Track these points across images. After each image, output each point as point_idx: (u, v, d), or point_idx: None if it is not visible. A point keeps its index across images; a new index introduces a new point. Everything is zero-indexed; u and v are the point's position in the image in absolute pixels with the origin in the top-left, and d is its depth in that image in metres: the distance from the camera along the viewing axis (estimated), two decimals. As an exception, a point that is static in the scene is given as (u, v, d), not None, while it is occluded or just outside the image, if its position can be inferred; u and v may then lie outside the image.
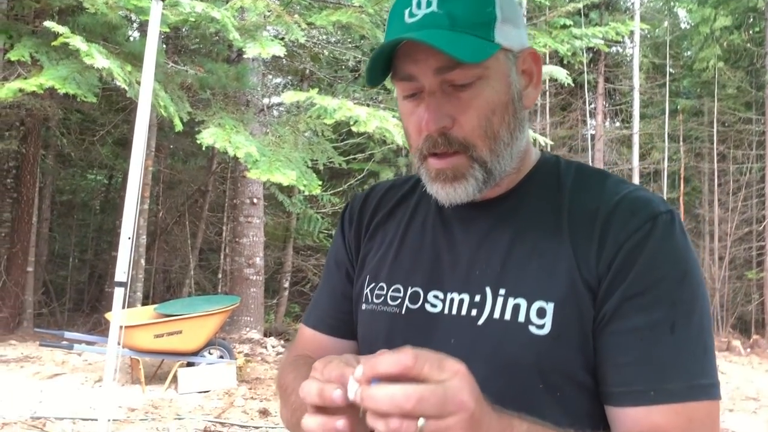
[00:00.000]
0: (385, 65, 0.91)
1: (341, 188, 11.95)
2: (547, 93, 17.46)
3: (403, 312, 0.97)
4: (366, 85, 1.00)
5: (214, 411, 5.93)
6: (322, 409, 0.68)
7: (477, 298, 0.91)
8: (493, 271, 0.92)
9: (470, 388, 0.65)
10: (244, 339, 8.89)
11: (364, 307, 1.04)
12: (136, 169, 2.76)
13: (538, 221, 0.93)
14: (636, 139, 16.95)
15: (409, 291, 0.98)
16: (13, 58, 5.78)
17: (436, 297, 0.95)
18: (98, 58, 5.28)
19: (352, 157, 11.24)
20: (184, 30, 7.24)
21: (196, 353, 6.68)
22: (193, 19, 5.69)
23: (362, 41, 8.99)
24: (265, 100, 10.89)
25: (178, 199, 11.94)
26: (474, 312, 0.91)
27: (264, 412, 5.98)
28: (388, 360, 0.63)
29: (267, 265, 11.11)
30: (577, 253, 0.87)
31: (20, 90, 5.61)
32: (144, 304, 9.58)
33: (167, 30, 5.85)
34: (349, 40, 9.87)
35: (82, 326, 10.02)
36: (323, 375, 0.69)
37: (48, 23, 5.25)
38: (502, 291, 0.90)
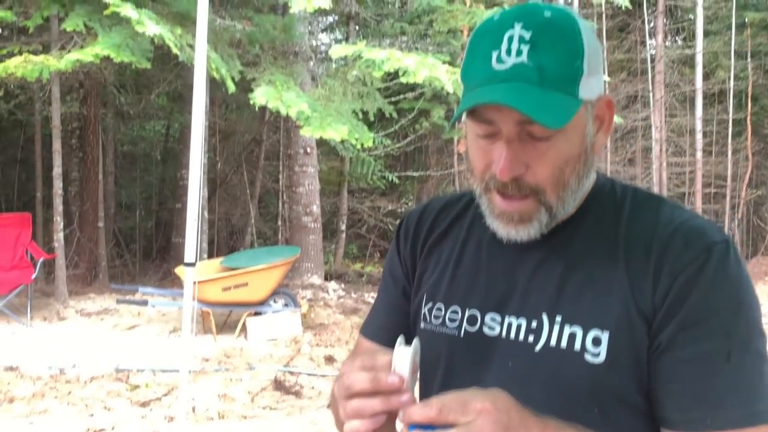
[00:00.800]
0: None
1: (392, 129, 11.91)
2: (603, 16, 16.68)
3: (462, 334, 1.02)
4: (447, 132, 1.03)
5: (282, 359, 6.24)
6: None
7: (534, 324, 0.95)
8: (550, 297, 0.95)
9: (494, 423, 0.74)
10: (306, 285, 9.19)
11: (422, 326, 1.08)
12: (196, 158, 2.86)
13: (594, 250, 0.95)
14: (699, 59, 16.11)
15: (467, 313, 1.02)
16: (68, 29, 5.91)
17: (493, 320, 0.99)
18: (149, 26, 5.35)
19: (402, 96, 11.12)
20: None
21: (262, 303, 6.97)
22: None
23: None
24: (314, 43, 10.81)
25: (235, 149, 12.17)
26: (531, 338, 0.95)
27: (330, 359, 6.25)
28: (417, 412, 0.76)
29: (323, 209, 11.31)
30: (633, 283, 0.90)
31: (78, 60, 5.77)
32: (209, 251, 9.98)
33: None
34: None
35: (153, 275, 10.52)
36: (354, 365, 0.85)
37: (98, -7, 5.32)
38: (558, 318, 0.93)
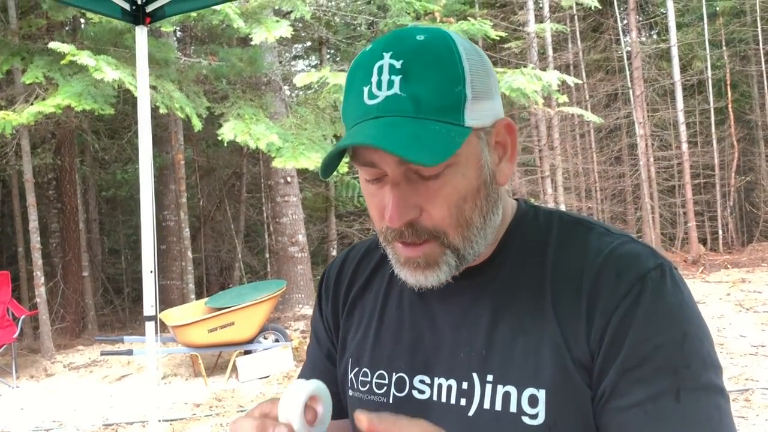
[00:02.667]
0: (341, 150, 0.81)
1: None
2: (576, 18, 16.75)
3: (391, 401, 0.93)
4: (322, 177, 0.91)
5: (275, 397, 6.07)
6: None
7: (465, 385, 0.87)
8: (478, 354, 0.87)
9: None
10: (297, 316, 9.05)
11: (351, 393, 1.00)
12: (147, 205, 2.74)
13: (520, 292, 0.86)
14: (675, 51, 16.17)
15: (394, 377, 0.94)
16: (28, 82, 5.82)
17: (422, 382, 0.91)
18: (107, 71, 5.27)
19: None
20: (191, 21, 7.15)
21: (251, 341, 6.82)
22: (195, 15, 5.58)
23: (371, 3, 8.73)
24: (290, 70, 10.77)
25: (216, 185, 12.08)
26: (463, 401, 0.86)
27: (323, 393, 6.09)
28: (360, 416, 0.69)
29: (312, 237, 11.18)
30: (565, 330, 0.81)
31: (40, 113, 5.67)
32: (198, 290, 9.84)
33: (171, 29, 5.77)
34: (359, 2, 9.61)
35: (144, 321, 10.34)
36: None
37: (53, 44, 5.25)
38: (489, 377, 0.85)
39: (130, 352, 6.48)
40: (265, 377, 6.66)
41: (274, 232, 10.16)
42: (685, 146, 15.81)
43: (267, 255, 11.09)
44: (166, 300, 9.58)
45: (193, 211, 11.08)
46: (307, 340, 6.60)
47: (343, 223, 12.97)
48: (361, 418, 0.67)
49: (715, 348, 0.80)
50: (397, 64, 0.77)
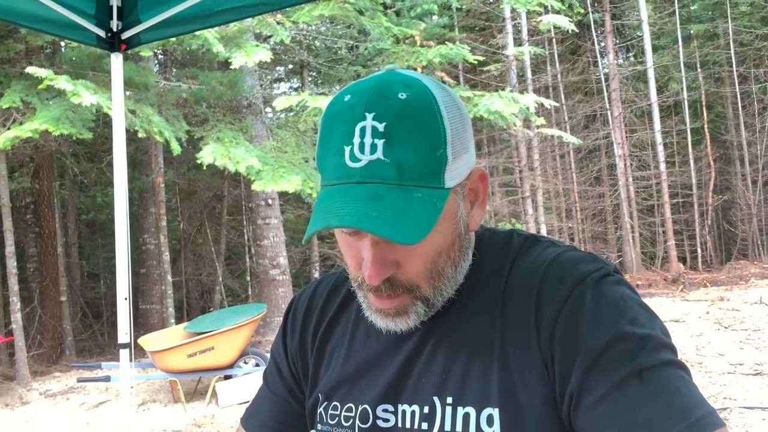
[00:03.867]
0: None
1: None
2: (554, 41, 17.02)
3: None
4: (303, 243, 0.92)
5: None
6: None
7: (426, 409, 0.88)
8: (438, 378, 0.88)
9: None
10: (279, 340, 8.98)
11: (319, 427, 1.00)
12: (122, 232, 2.72)
13: (475, 316, 0.88)
14: (651, 73, 16.48)
15: (359, 409, 0.95)
16: (5, 106, 5.79)
17: (386, 411, 0.92)
18: (85, 96, 5.26)
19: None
20: (171, 46, 7.18)
21: (231, 366, 6.75)
22: (174, 40, 5.60)
23: (351, 28, 8.82)
24: (271, 93, 10.81)
25: (197, 208, 12.02)
26: (425, 425, 0.87)
27: (304, 418, 6.03)
28: None
29: (294, 259, 11.14)
30: (516, 345, 0.83)
31: (17, 137, 5.63)
32: (179, 313, 9.74)
33: (149, 53, 5.78)
34: (339, 27, 9.70)
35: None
36: None
37: (30, 69, 5.23)
38: (449, 400, 0.86)
39: (107, 379, 6.38)
40: (246, 402, 6.58)
41: (255, 254, 10.12)
42: (663, 166, 16.05)
43: (248, 278, 11.02)
44: (145, 324, 9.48)
45: (173, 234, 11.01)
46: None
47: (326, 244, 12.95)
48: None
49: (667, 331, 0.81)
50: (380, 127, 0.77)
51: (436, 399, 0.87)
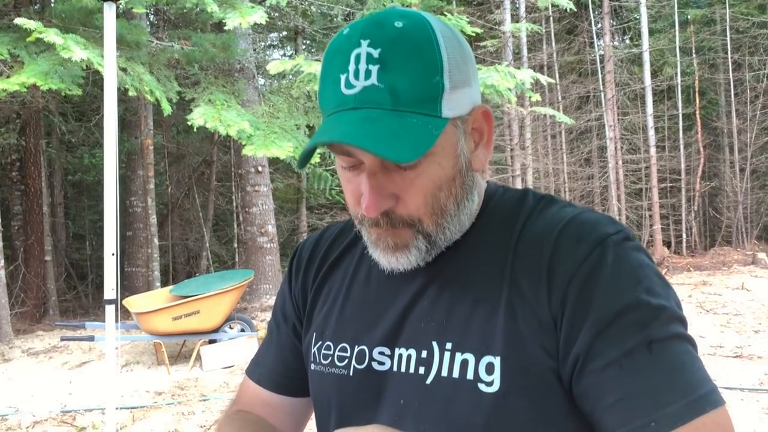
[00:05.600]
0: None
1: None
2: (551, 19, 16.90)
3: (351, 373, 0.93)
4: (299, 169, 0.90)
5: (238, 388, 6.02)
6: None
7: (424, 353, 0.86)
8: (438, 323, 0.86)
9: None
10: (264, 307, 8.99)
11: (312, 367, 0.99)
12: (110, 185, 2.68)
13: (482, 266, 0.87)
14: (646, 57, 16.43)
15: (356, 350, 0.94)
16: (-9, 58, 5.66)
17: (382, 354, 0.91)
18: (75, 51, 5.15)
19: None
20: (164, 4, 7.02)
21: (216, 330, 6.75)
22: (167, -4, 5.48)
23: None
24: (264, 59, 10.66)
25: (185, 172, 11.91)
26: (422, 370, 0.86)
27: (288, 384, 6.06)
28: None
29: (282, 228, 11.11)
30: (525, 296, 0.81)
31: (3, 90, 5.52)
32: (164, 277, 9.70)
33: (143, 10, 5.66)
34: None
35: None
36: None
37: (19, 20, 5.10)
38: (448, 345, 0.85)
39: (91, 338, 6.36)
40: (230, 367, 6.60)
41: (243, 221, 10.07)
42: (653, 150, 16.09)
43: (235, 245, 10.99)
44: (130, 287, 9.44)
45: (161, 198, 10.93)
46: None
47: (314, 215, 12.93)
48: None
49: (680, 304, 0.81)
50: (375, 53, 0.76)
51: (434, 344, 0.85)
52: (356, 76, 0.77)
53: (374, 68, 0.76)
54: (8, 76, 5.91)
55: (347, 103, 0.77)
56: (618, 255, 0.79)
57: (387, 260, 0.87)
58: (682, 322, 0.79)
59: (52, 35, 5.05)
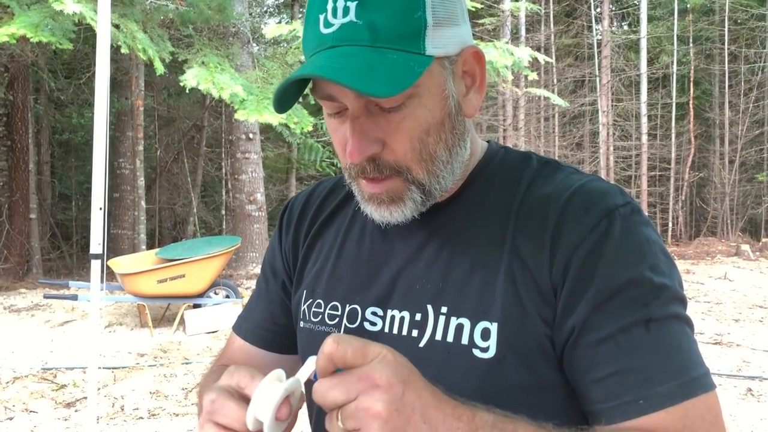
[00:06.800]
0: (300, 84, 0.78)
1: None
2: (550, 1, 16.79)
3: (342, 332, 0.90)
4: (276, 112, 0.87)
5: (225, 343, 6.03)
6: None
7: (418, 316, 0.84)
8: (434, 286, 0.84)
9: (392, 370, 0.61)
10: (250, 275, 8.97)
11: (302, 325, 0.97)
12: (100, 135, 2.63)
13: (483, 226, 0.84)
14: (644, 44, 16.39)
15: (348, 309, 0.91)
16: (-20, 6, 5.52)
17: (375, 314, 0.89)
18: (68, 3, 5.04)
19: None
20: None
21: (201, 295, 6.73)
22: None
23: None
24: (260, 26, 10.52)
25: (175, 136, 11.79)
26: (415, 332, 0.84)
27: (271, 351, 6.07)
28: (314, 359, 0.64)
29: (271, 197, 11.07)
30: (525, 263, 0.79)
31: (-8, 40, 5.39)
32: (150, 241, 9.65)
33: (138, -34, 5.54)
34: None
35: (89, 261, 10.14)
36: (233, 378, 0.68)
37: (10, -32, 4.97)
38: (443, 309, 0.82)
39: (74, 297, 6.32)
40: (213, 332, 6.60)
41: (232, 189, 10.01)
42: (644, 138, 16.14)
43: (223, 212, 10.93)
44: (116, 249, 9.38)
45: (149, 162, 10.83)
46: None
47: (303, 185, 12.88)
48: (329, 339, 0.62)
49: (682, 283, 0.80)
50: None
51: (429, 307, 0.83)
52: (334, 14, 0.74)
53: (352, 5, 0.73)
54: (-3, 27, 5.79)
55: (326, 42, 0.75)
56: (625, 228, 0.77)
57: (380, 214, 0.84)
58: (683, 302, 0.77)
59: (44, -14, 4.93)
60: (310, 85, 0.80)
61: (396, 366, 0.62)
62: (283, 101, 0.79)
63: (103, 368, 5.38)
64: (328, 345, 0.61)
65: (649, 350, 0.73)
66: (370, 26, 0.73)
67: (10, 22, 5.55)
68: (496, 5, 13.15)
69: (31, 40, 5.33)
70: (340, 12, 0.74)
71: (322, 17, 0.75)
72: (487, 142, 0.94)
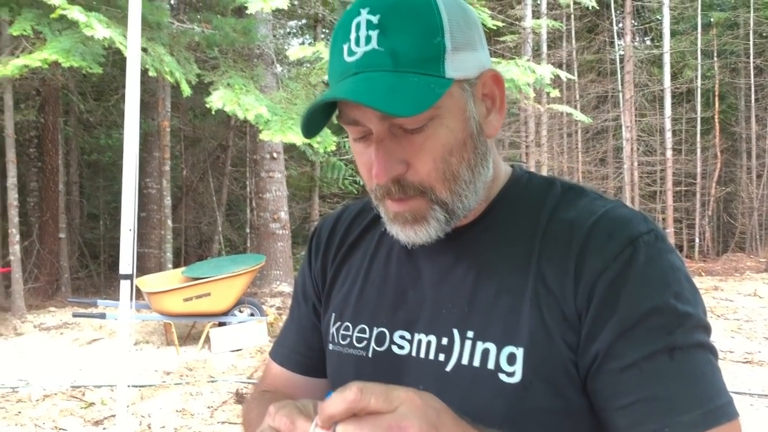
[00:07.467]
0: (326, 111, 0.82)
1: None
2: (572, 17, 16.78)
3: (370, 355, 0.93)
4: (304, 137, 0.90)
5: (246, 370, 6.06)
6: None
7: (444, 340, 0.86)
8: (460, 311, 0.86)
9: (421, 415, 0.61)
10: (275, 293, 9.02)
11: (331, 347, 1.00)
12: (130, 159, 2.69)
13: (507, 250, 0.86)
14: (667, 58, 16.27)
15: (375, 332, 0.93)
16: (15, 33, 5.70)
17: (402, 338, 0.91)
18: (98, 29, 5.17)
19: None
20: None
21: (226, 313, 6.79)
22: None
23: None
24: (283, 46, 10.66)
25: (201, 156, 11.96)
26: (442, 356, 0.86)
27: (295, 369, 6.09)
28: (335, 400, 0.60)
29: (294, 215, 11.14)
30: (550, 289, 0.80)
31: (25, 66, 5.55)
32: (176, 260, 9.76)
33: (166, -9, 5.66)
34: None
35: (119, 287, 10.26)
36: (274, 421, 0.65)
37: (44, -4, 5.13)
38: (470, 333, 0.84)
39: (102, 316, 6.42)
40: (238, 350, 6.64)
41: (256, 207, 10.10)
42: (669, 153, 15.96)
43: (248, 230, 11.03)
44: (142, 267, 9.50)
45: (175, 181, 10.98)
46: (283, 317, 6.58)
47: (326, 204, 12.95)
48: (352, 388, 0.60)
49: (706, 311, 0.80)
50: (374, 20, 0.77)
51: (455, 331, 0.85)
52: (357, 43, 0.78)
53: (374, 33, 0.77)
54: (30, 52, 5.95)
55: (350, 69, 0.78)
56: (649, 255, 0.78)
57: (405, 234, 0.86)
58: (707, 330, 0.78)
59: (75, 12, 5.07)
60: (337, 112, 0.83)
61: (424, 410, 0.62)
62: (311, 127, 0.83)
63: (131, 386, 5.44)
64: (352, 394, 0.60)
65: (673, 378, 0.74)
66: (392, 53, 0.76)
67: (43, 47, 5.71)
68: (517, 22, 13.19)
69: (63, 65, 5.48)
70: (362, 41, 0.77)
71: (345, 47, 0.79)
72: (511, 166, 0.96)
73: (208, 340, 6.69)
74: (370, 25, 0.77)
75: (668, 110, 15.95)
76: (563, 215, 0.85)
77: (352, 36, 0.78)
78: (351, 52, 0.78)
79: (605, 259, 0.78)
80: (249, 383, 5.66)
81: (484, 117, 0.85)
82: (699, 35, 17.31)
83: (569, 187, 0.90)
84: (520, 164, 0.97)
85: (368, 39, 0.77)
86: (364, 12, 0.78)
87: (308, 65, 7.82)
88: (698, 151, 17.39)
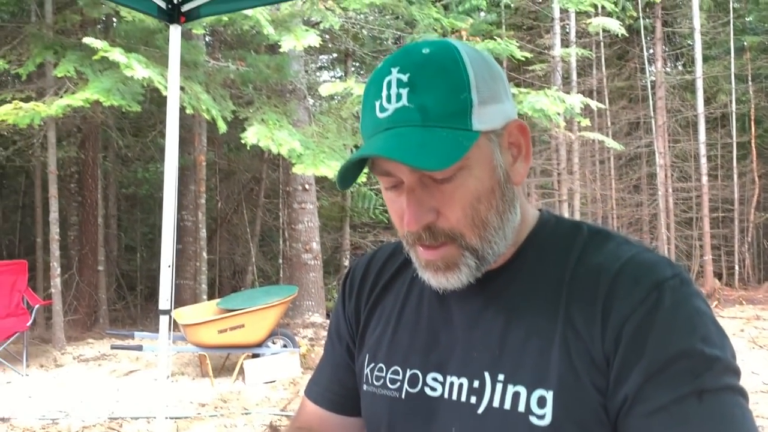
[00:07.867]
0: (359, 163, 0.87)
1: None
2: (602, 44, 16.76)
3: (403, 396, 0.96)
4: (340, 189, 0.95)
5: (280, 402, 6.08)
6: None
7: (476, 383, 0.89)
8: (491, 354, 0.89)
9: None
10: (307, 324, 9.06)
11: (365, 388, 1.03)
12: (170, 196, 2.78)
13: (536, 294, 0.89)
14: (700, 84, 16.10)
15: (408, 373, 0.96)
16: (59, 75, 5.93)
17: (435, 380, 0.93)
18: (138, 69, 5.36)
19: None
20: (222, 26, 7.26)
21: (259, 345, 6.84)
22: (226, 18, 5.67)
23: (398, 19, 8.82)
24: (316, 80, 10.85)
25: (235, 188, 12.17)
26: (473, 399, 0.88)
27: (328, 401, 6.08)
28: None
29: (326, 245, 11.20)
30: (578, 332, 0.83)
31: (68, 106, 5.77)
32: (210, 291, 9.88)
33: (202, 32, 5.86)
34: (387, 17, 9.70)
35: (155, 318, 10.41)
36: None
37: (87, 39, 5.35)
38: (500, 377, 0.87)
39: (140, 348, 6.52)
40: (272, 382, 6.67)
41: (288, 238, 10.21)
42: (705, 179, 15.69)
43: (280, 261, 11.12)
44: (178, 299, 9.63)
45: (210, 213, 11.18)
46: (316, 349, 6.60)
47: (357, 233, 13.00)
48: None
49: (735, 354, 0.81)
50: (404, 78, 0.82)
51: (486, 374, 0.88)
52: (388, 100, 0.83)
53: (404, 91, 0.81)
54: (73, 93, 6.19)
55: (381, 125, 0.83)
56: (675, 300, 0.80)
57: (437, 281, 0.89)
58: (736, 373, 0.79)
59: (116, 54, 5.28)
60: (369, 163, 0.88)
61: None
62: (347, 179, 0.88)
63: (167, 418, 5.50)
64: None
65: (703, 421, 0.75)
66: (421, 109, 0.81)
67: (85, 87, 5.94)
68: (546, 51, 13.23)
69: (104, 104, 5.69)
70: (393, 98, 0.82)
71: (377, 103, 0.84)
72: (539, 210, 0.99)
73: (242, 371, 6.74)
74: (400, 83, 0.82)
75: (702, 135, 15.73)
76: (590, 260, 0.87)
77: (384, 93, 0.83)
78: (383, 109, 0.83)
79: (632, 303, 0.80)
80: (282, 415, 5.68)
81: (511, 165, 0.89)
82: (732, 59, 17.11)
83: (596, 231, 0.93)
84: (548, 209, 1.01)
85: (399, 96, 0.82)
86: (394, 71, 0.83)
87: (339, 99, 7.94)
88: (735, 176, 17.06)
